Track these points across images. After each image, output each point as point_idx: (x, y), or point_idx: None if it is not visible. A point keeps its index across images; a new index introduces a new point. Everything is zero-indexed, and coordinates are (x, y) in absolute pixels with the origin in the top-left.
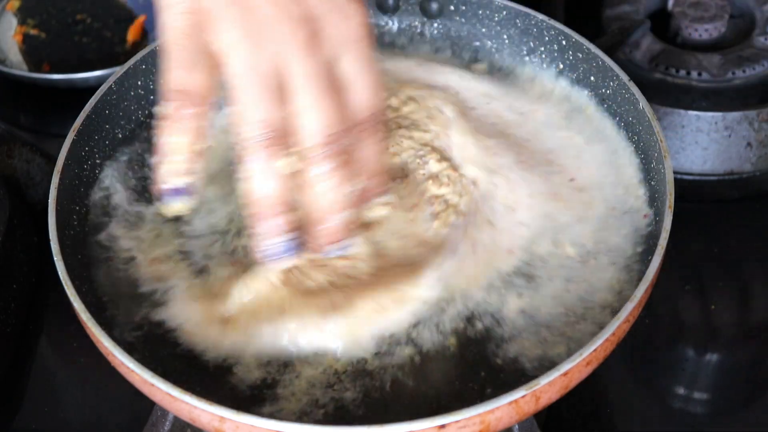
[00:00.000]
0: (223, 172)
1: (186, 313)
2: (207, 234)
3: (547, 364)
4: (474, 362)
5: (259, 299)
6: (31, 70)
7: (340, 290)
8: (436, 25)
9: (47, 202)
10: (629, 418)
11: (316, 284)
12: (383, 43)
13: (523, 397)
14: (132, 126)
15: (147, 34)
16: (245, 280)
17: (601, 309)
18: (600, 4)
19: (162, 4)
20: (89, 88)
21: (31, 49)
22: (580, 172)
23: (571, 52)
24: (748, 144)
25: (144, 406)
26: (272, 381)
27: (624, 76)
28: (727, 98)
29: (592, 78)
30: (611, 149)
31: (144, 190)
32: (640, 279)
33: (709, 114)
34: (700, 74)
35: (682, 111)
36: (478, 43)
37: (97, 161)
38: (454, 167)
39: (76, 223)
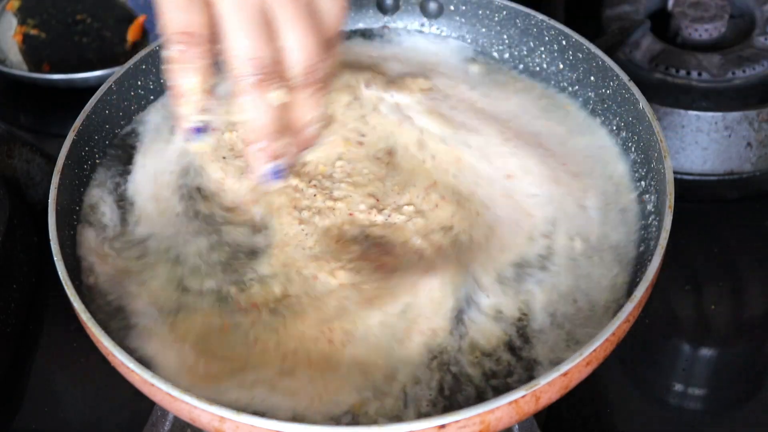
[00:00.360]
0: None
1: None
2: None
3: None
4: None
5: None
6: (31, 70)
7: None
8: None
9: (47, 202)
10: (629, 418)
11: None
12: (382, 42)
13: (523, 397)
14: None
15: (147, 34)
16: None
17: (604, 310)
18: (600, 4)
19: None
20: (89, 88)
21: (31, 49)
22: (571, 158)
23: (571, 52)
24: (748, 144)
25: (144, 406)
26: None
27: (624, 76)
28: (727, 98)
29: (592, 78)
30: (597, 144)
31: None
32: (640, 279)
33: (709, 114)
34: (700, 74)
35: (682, 111)
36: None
37: (97, 161)
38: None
39: (76, 223)
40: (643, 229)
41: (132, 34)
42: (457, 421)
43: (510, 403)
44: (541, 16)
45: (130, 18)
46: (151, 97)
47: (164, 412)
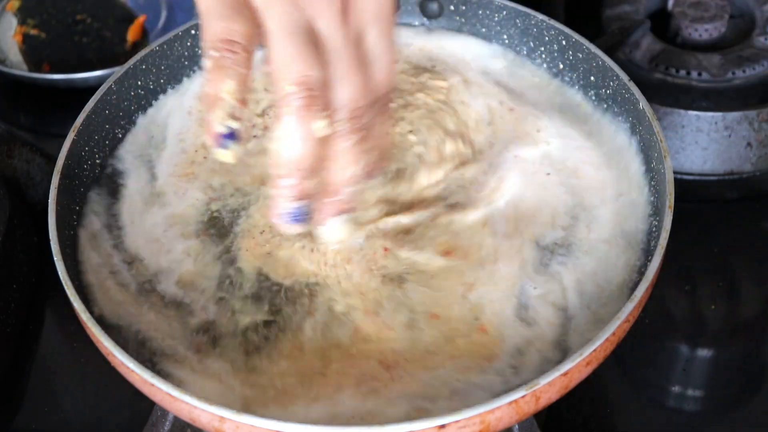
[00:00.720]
0: None
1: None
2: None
3: None
4: None
5: None
6: (31, 70)
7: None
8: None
9: (47, 202)
10: (629, 418)
11: None
12: None
13: (522, 397)
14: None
15: (147, 34)
16: None
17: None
18: (600, 4)
19: None
20: (89, 88)
21: (31, 49)
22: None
23: (571, 52)
24: (748, 144)
25: (144, 406)
26: None
27: (624, 76)
28: (727, 98)
29: (592, 78)
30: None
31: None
32: (640, 279)
33: (709, 114)
34: (700, 74)
35: (682, 111)
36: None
37: (97, 161)
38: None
39: (76, 223)
40: (652, 219)
41: (132, 34)
42: (457, 421)
43: (510, 403)
44: (541, 16)
45: (130, 18)
46: (151, 98)
47: (164, 412)
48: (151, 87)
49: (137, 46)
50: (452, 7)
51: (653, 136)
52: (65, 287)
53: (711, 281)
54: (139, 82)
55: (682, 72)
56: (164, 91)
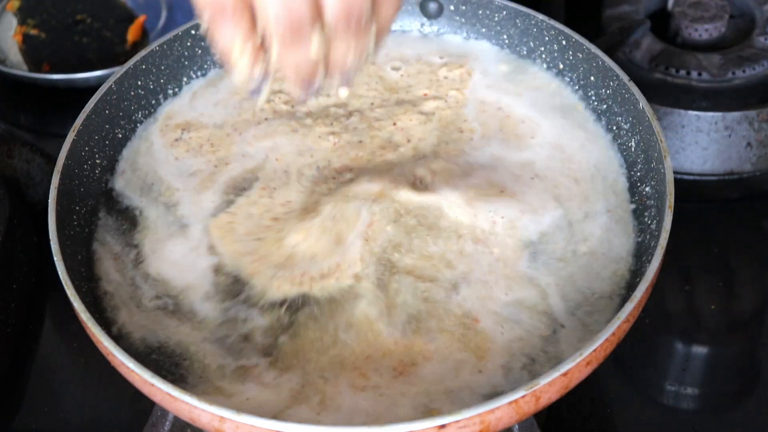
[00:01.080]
0: None
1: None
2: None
3: None
4: None
5: None
6: (31, 70)
7: None
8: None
9: (47, 202)
10: (629, 418)
11: None
12: None
13: (522, 397)
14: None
15: (147, 34)
16: None
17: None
18: (600, 4)
19: None
20: (89, 88)
21: (31, 49)
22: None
23: (571, 52)
24: (748, 144)
25: (144, 406)
26: None
27: (624, 76)
28: (727, 98)
29: (592, 78)
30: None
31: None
32: (639, 279)
33: (709, 114)
34: (700, 74)
35: (682, 111)
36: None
37: (97, 161)
38: None
39: (76, 223)
40: (642, 232)
41: (132, 34)
42: (457, 421)
43: (510, 403)
44: (541, 16)
45: (130, 18)
46: (151, 98)
47: (164, 412)
48: (151, 87)
49: (137, 46)
50: (452, 7)
51: (653, 136)
52: (65, 287)
53: (711, 281)
54: (139, 82)
55: (682, 72)
56: (165, 92)
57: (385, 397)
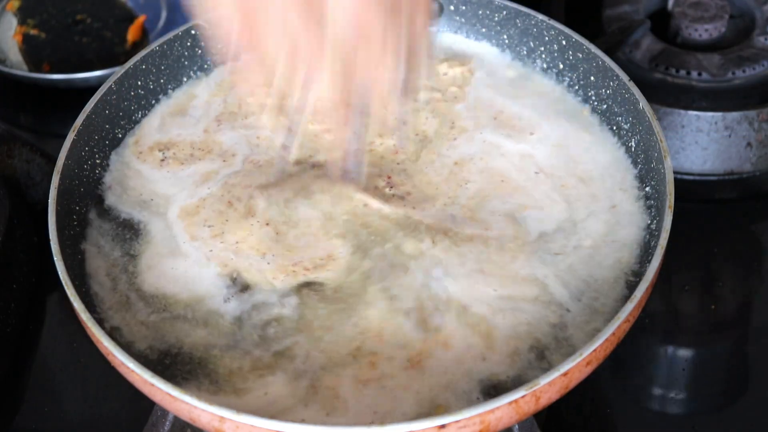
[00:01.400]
0: None
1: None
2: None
3: None
4: None
5: None
6: (31, 70)
7: None
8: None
9: (47, 202)
10: (629, 418)
11: None
12: None
13: (522, 397)
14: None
15: (147, 34)
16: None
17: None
18: (600, 4)
19: None
20: (89, 88)
21: (31, 49)
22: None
23: (571, 52)
24: (748, 144)
25: (144, 406)
26: None
27: (624, 76)
28: (727, 98)
29: (592, 78)
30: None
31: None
32: (639, 279)
33: (709, 114)
34: (700, 74)
35: (682, 111)
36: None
37: (97, 161)
38: None
39: (76, 223)
40: (647, 227)
41: (132, 34)
42: (457, 421)
43: (510, 403)
44: (541, 16)
45: (130, 18)
46: (151, 98)
47: (164, 412)
48: (151, 87)
49: (137, 46)
50: (452, 7)
51: (653, 136)
52: (65, 287)
53: (711, 281)
54: (139, 82)
55: (682, 72)
56: (165, 92)
57: (391, 390)
